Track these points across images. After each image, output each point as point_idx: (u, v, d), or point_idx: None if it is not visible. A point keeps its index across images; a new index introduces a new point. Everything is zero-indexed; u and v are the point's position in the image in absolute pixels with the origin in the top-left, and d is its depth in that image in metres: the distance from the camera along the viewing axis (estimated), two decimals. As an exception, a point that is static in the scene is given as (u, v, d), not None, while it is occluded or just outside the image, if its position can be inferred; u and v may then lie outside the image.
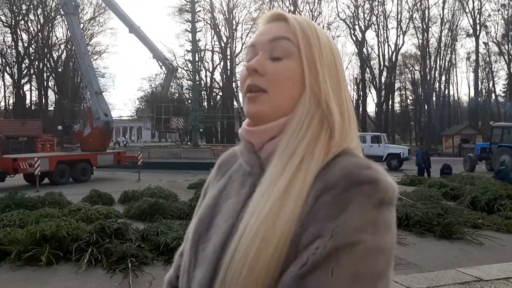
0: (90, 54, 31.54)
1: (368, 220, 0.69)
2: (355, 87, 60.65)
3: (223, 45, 56.44)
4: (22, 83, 55.05)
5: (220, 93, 59.06)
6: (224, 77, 56.33)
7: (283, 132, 0.81)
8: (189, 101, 38.05)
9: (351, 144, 0.82)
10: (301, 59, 0.82)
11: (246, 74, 0.84)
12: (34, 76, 56.50)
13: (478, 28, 54.41)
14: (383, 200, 0.71)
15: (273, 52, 0.83)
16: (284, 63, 0.82)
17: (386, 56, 57.72)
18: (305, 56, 0.81)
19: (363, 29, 57.01)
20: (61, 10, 32.29)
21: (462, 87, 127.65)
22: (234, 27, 56.20)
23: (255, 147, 0.85)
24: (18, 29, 54.40)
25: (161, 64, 29.27)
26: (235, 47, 54.84)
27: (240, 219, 0.78)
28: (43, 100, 56.80)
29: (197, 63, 37.64)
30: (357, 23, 57.35)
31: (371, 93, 61.17)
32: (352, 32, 56.97)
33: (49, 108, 58.33)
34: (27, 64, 56.20)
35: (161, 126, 31.19)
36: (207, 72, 58.10)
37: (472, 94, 59.86)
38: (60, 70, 57.16)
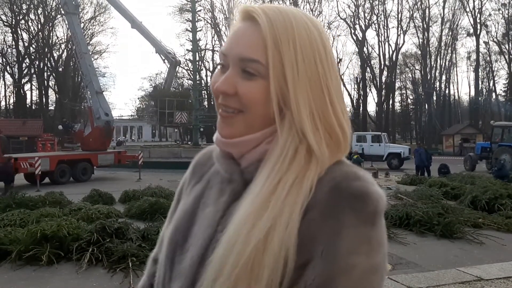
0: (90, 53, 31.54)
1: (361, 239, 0.66)
2: (356, 86, 60.73)
3: (223, 44, 56.40)
4: (22, 82, 55.09)
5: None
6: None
7: (267, 142, 0.76)
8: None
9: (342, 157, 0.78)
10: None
11: (216, 93, 0.78)
12: (34, 76, 56.53)
13: (478, 27, 54.42)
14: (375, 213, 0.69)
15: (245, 68, 0.75)
16: (256, 83, 0.74)
17: (387, 56, 57.77)
18: (274, 78, 0.73)
19: (364, 28, 57.00)
20: (61, 9, 32.28)
21: (463, 86, 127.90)
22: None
23: (234, 155, 0.80)
24: (18, 29, 54.45)
25: (163, 58, 29.26)
26: (236, 46, 54.72)
27: (219, 230, 0.74)
28: (44, 99, 56.85)
29: (197, 63, 37.66)
30: (357, 22, 57.42)
31: (371, 92, 61.25)
32: (353, 31, 57.03)
33: (49, 108, 58.37)
34: (27, 64, 56.23)
35: (164, 120, 31.06)
36: (208, 71, 58.11)
37: (472, 93, 59.89)
38: (60, 69, 57.18)
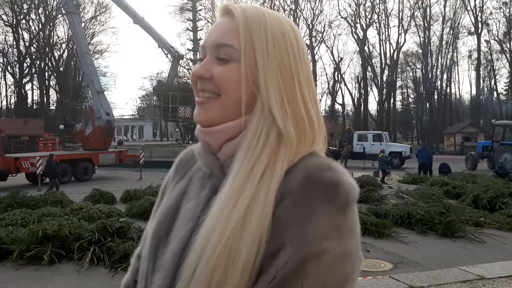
0: (91, 53, 31.53)
1: (332, 226, 0.68)
2: (357, 85, 60.70)
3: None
4: (23, 82, 55.11)
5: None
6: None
7: (241, 135, 0.78)
8: None
9: (317, 148, 0.80)
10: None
11: (194, 78, 0.82)
12: (35, 76, 56.58)
13: (479, 26, 54.34)
14: (347, 202, 0.71)
15: (219, 55, 0.79)
16: (230, 66, 0.78)
17: (388, 54, 57.74)
18: (245, 61, 0.77)
19: (365, 27, 56.99)
20: (62, 9, 32.26)
21: (464, 85, 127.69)
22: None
23: (212, 148, 0.82)
24: (19, 29, 54.50)
25: (166, 52, 29.18)
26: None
27: (200, 223, 0.76)
28: (45, 99, 56.89)
29: (198, 62, 37.64)
30: (358, 21, 57.37)
31: (372, 91, 61.34)
32: (354, 30, 56.97)
33: (50, 107, 58.43)
34: (28, 64, 56.28)
35: (168, 115, 30.85)
36: (208, 71, 58.15)
37: (473, 92, 59.84)
38: (61, 69, 57.22)
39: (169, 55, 29.48)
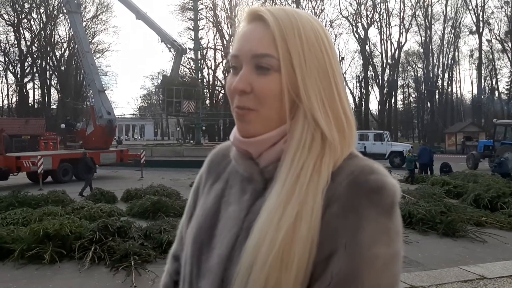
0: (92, 52, 31.52)
1: (381, 230, 0.69)
2: (358, 84, 60.64)
3: (225, 43, 56.35)
4: (25, 81, 55.16)
5: (223, 91, 59.01)
6: (227, 75, 56.25)
7: (283, 141, 0.78)
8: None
9: (353, 148, 0.81)
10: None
11: (233, 92, 0.79)
12: (37, 75, 56.59)
13: (481, 25, 54.22)
14: (392, 204, 0.72)
15: (259, 65, 0.77)
16: (271, 77, 0.76)
17: (389, 54, 57.64)
18: (285, 69, 0.76)
19: (366, 26, 56.93)
20: (63, 8, 32.27)
21: (465, 84, 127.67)
22: (236, 25, 55.97)
23: (252, 155, 0.81)
24: (21, 28, 54.52)
25: (169, 47, 29.06)
26: (238, 45, 54.69)
27: (244, 228, 0.77)
28: (46, 98, 56.93)
29: (199, 61, 37.63)
30: (359, 20, 57.31)
31: (373, 90, 61.17)
32: (355, 29, 56.90)
33: (52, 107, 58.46)
34: (30, 63, 56.32)
35: (172, 110, 30.74)
36: (210, 70, 58.14)
37: (475, 91, 59.77)
38: (63, 68, 57.25)
39: (172, 49, 29.37)
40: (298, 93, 0.76)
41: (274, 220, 0.70)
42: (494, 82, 58.39)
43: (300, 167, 0.74)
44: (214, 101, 58.75)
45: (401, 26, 56.80)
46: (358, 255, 0.67)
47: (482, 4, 54.18)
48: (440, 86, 58.25)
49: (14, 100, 57.88)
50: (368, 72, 57.76)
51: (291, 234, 0.69)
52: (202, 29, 37.72)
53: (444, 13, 56.23)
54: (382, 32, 57.66)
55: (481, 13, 54.32)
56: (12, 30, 54.15)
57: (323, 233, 0.70)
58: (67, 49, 56.67)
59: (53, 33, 57.01)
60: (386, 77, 57.50)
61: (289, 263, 0.68)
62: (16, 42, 54.33)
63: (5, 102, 58.61)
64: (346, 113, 0.79)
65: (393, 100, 59.70)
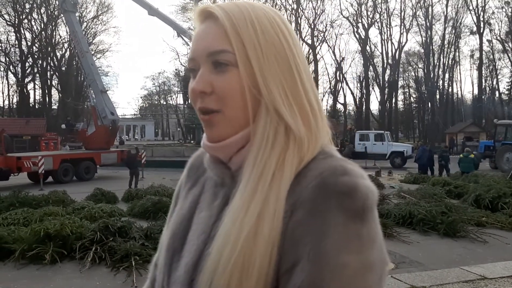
0: (93, 52, 31.49)
1: (350, 237, 0.63)
2: (358, 85, 60.66)
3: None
4: (25, 82, 55.17)
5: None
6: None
7: (250, 143, 0.74)
8: None
9: (324, 142, 0.75)
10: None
11: (194, 95, 0.76)
12: (37, 75, 56.60)
13: (481, 25, 54.22)
14: (364, 208, 0.65)
15: (215, 61, 0.73)
16: (230, 74, 0.73)
17: (390, 54, 57.67)
18: (242, 63, 0.72)
19: (366, 26, 56.90)
20: (60, 7, 32.21)
21: (466, 85, 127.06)
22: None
23: (222, 160, 0.78)
24: (21, 28, 54.52)
25: (187, 40, 29.08)
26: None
27: (212, 236, 0.72)
28: (47, 98, 56.95)
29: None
30: (360, 20, 57.30)
31: (374, 91, 61.15)
32: (355, 30, 56.89)
33: (52, 107, 58.47)
34: (30, 63, 56.30)
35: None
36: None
37: (475, 91, 59.72)
38: (63, 68, 57.28)
39: (189, 42, 29.38)
40: (258, 88, 0.72)
41: (237, 221, 0.67)
42: (494, 82, 58.51)
43: (263, 164, 0.69)
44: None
45: (402, 27, 56.88)
46: (323, 264, 0.61)
47: (483, 5, 54.19)
48: (441, 87, 58.23)
49: (14, 100, 57.94)
50: (369, 72, 57.77)
51: (253, 235, 0.65)
52: (202, 29, 37.65)
53: (445, 13, 56.26)
54: (383, 33, 57.74)
55: (481, 13, 54.33)
56: (13, 30, 54.18)
57: (287, 243, 0.65)
58: (68, 50, 56.67)
59: (54, 34, 57.08)
60: (386, 78, 57.50)
61: (250, 267, 0.64)
62: (17, 42, 54.35)
63: (6, 102, 58.69)
64: (310, 102, 0.74)
65: (393, 101, 59.72)
